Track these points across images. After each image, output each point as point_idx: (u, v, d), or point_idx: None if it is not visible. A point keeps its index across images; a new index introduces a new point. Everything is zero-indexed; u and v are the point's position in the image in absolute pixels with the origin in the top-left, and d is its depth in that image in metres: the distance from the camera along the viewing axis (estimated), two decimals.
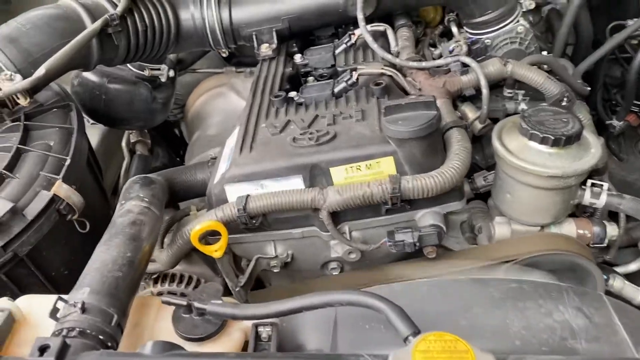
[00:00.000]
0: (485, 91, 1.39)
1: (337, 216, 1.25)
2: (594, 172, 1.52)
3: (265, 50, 1.67)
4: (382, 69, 1.44)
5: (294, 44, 1.73)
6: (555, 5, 2.25)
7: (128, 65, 1.73)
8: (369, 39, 1.48)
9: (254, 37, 1.68)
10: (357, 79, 1.45)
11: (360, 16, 1.51)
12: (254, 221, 1.24)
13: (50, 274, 1.29)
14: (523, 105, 1.58)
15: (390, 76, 1.44)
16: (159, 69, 1.73)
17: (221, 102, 2.13)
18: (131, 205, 1.22)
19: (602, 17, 2.20)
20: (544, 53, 1.72)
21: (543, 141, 1.19)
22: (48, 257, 1.26)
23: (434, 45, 1.89)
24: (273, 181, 1.24)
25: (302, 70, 1.67)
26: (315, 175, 1.24)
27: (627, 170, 2.03)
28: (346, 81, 1.44)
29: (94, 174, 1.51)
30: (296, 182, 1.24)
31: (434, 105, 1.17)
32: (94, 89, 1.68)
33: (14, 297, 1.01)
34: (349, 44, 1.63)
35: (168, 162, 2.21)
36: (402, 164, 1.21)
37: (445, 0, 1.67)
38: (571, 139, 1.18)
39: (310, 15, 1.65)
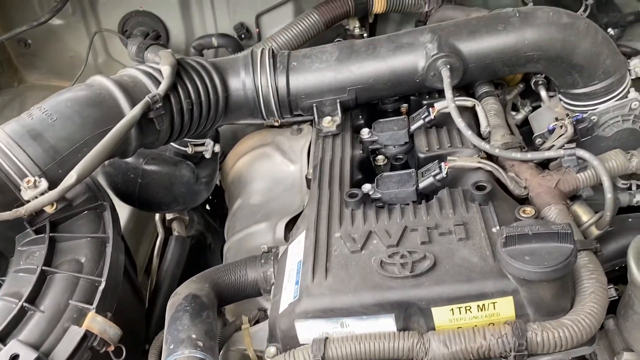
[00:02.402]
0: (609, 195, 1.13)
1: None
2: None
3: (328, 125, 1.42)
4: (480, 162, 1.19)
5: (360, 116, 1.48)
6: None
7: None
8: (461, 125, 1.23)
9: (314, 109, 1.43)
10: (447, 173, 1.20)
11: (449, 95, 1.26)
12: None
13: None
14: (639, 198, 1.32)
15: (489, 171, 1.19)
16: (203, 144, 1.49)
17: (265, 164, 1.88)
18: (183, 358, 0.97)
19: None
20: None
21: None
22: None
23: (516, 108, 1.64)
24: (357, 320, 0.99)
25: (370, 147, 1.42)
26: (411, 315, 0.99)
27: None
28: (434, 176, 1.19)
29: (129, 278, 1.27)
30: (386, 323, 0.99)
31: (570, 237, 0.92)
32: (128, 171, 1.44)
33: None
34: (427, 119, 1.37)
35: (204, 228, 1.97)
36: (524, 306, 0.96)
37: (543, 69, 1.41)
38: None
39: (381, 85, 1.41)
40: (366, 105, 1.50)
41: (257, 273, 1.30)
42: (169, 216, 1.66)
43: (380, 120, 1.45)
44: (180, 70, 1.32)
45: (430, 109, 1.37)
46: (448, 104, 1.26)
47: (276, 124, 1.55)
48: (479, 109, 1.34)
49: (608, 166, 1.18)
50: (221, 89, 1.38)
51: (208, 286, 1.25)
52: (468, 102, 1.36)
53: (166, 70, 1.25)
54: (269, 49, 1.45)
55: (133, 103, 1.18)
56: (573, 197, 1.25)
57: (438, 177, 1.19)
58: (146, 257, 1.76)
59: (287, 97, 1.42)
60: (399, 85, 1.41)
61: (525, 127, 1.56)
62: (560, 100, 1.47)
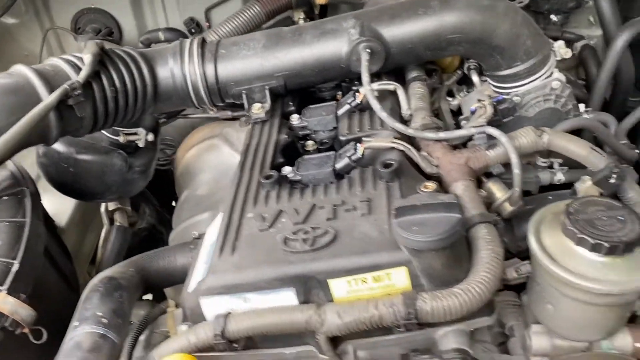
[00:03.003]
0: (516, 171, 1.15)
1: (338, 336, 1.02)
2: None
3: (258, 111, 1.44)
4: (392, 142, 1.21)
5: (291, 102, 1.50)
6: (589, 41, 2.02)
7: (102, 130, 1.51)
8: (377, 107, 1.24)
9: (243, 95, 1.45)
10: (363, 153, 1.22)
11: (365, 78, 1.28)
12: (235, 345, 1.01)
13: None
14: (560, 176, 1.34)
15: (402, 151, 1.21)
16: (135, 134, 1.51)
17: (213, 156, 1.89)
18: (83, 335, 0.99)
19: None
20: (582, 107, 1.48)
21: (594, 248, 0.95)
22: None
23: (452, 94, 1.66)
24: (259, 294, 1.01)
25: (300, 133, 1.44)
26: (311, 288, 1.01)
27: None
28: (349, 157, 1.21)
29: (55, 265, 1.29)
30: (287, 296, 1.01)
31: (456, 207, 0.94)
32: (60, 160, 1.46)
33: None
34: (353, 104, 1.39)
35: (156, 221, 1.99)
36: (418, 276, 0.97)
37: (465, 52, 1.43)
38: (631, 246, 0.94)
39: (308, 71, 1.42)
40: (299, 92, 1.52)
41: (186, 258, 1.33)
42: (111, 207, 1.68)
43: (311, 106, 1.47)
44: (105, 59, 1.34)
45: (357, 93, 1.39)
46: (364, 87, 1.28)
47: (212, 112, 1.56)
48: (399, 92, 1.36)
49: (518, 143, 1.20)
50: (149, 78, 1.40)
51: (133, 270, 1.27)
52: (390, 85, 1.38)
53: (87, 58, 1.27)
54: (199, 38, 1.47)
55: (52, 91, 1.20)
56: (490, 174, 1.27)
57: (353, 157, 1.22)
58: (93, 247, 1.77)
59: (216, 84, 1.44)
60: (326, 71, 1.43)
61: None
62: (488, 83, 1.49)
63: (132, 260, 1.33)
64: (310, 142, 1.42)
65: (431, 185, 1.08)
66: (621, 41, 1.51)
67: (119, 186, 1.56)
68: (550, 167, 1.33)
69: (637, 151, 1.42)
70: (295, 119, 1.44)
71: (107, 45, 1.38)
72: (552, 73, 1.41)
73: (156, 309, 1.28)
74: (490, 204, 1.22)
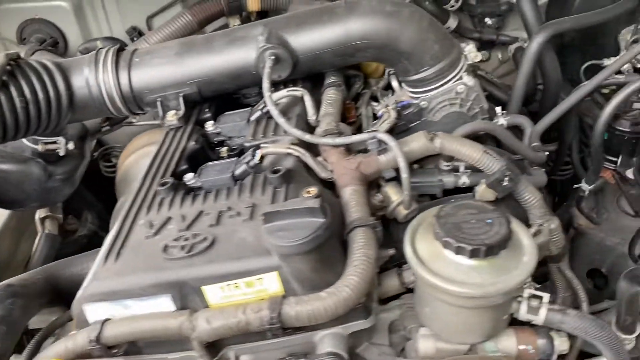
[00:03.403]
0: (404, 175, 1.16)
1: (217, 341, 1.03)
2: (550, 259, 1.30)
3: (171, 118, 1.46)
4: (289, 147, 1.22)
5: (207, 109, 1.51)
6: (524, 43, 2.03)
7: (23, 139, 1.53)
8: (274, 112, 1.26)
9: (158, 103, 1.47)
10: (261, 159, 1.23)
11: (265, 84, 1.30)
12: (115, 351, 1.03)
13: None
14: (465, 179, 1.34)
15: (298, 156, 1.22)
16: (55, 142, 1.53)
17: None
18: None
19: (576, 55, 1.96)
20: (498, 110, 1.49)
21: (459, 251, 0.96)
22: None
23: (377, 99, 1.67)
24: (138, 301, 1.03)
25: (215, 139, 1.46)
26: (187, 295, 1.02)
27: (607, 231, 1.76)
28: (247, 163, 1.23)
29: None
30: (165, 303, 1.02)
31: (319, 212, 0.95)
32: None
33: None
34: (264, 110, 1.41)
35: (99, 228, 2.01)
36: (290, 281, 0.99)
37: (373, 58, 1.44)
38: (493, 249, 0.95)
39: (221, 78, 1.44)
40: (216, 99, 1.53)
41: None
42: (41, 214, 1.70)
43: (227, 112, 1.49)
44: (15, 70, 1.35)
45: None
46: (264, 93, 1.29)
47: (134, 120, 1.58)
48: (306, 99, 1.37)
49: (408, 148, 1.21)
50: (63, 88, 1.41)
51: (40, 277, 1.29)
52: (297, 92, 1.39)
53: None
54: (114, 48, 1.49)
55: None
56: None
57: (251, 163, 1.23)
58: (27, 255, 1.79)
59: (131, 92, 1.45)
60: (238, 78, 1.44)
61: None
62: (405, 88, 1.50)
63: (45, 267, 1.35)
64: (224, 149, 1.44)
65: (313, 190, 1.08)
66: (535, 44, 1.52)
67: (39, 194, 1.58)
68: (455, 170, 1.33)
69: (546, 153, 1.43)
70: (209, 126, 1.46)
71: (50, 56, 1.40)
72: (461, 77, 1.42)
73: (64, 316, 1.30)
74: (386, 208, 1.24)
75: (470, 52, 1.45)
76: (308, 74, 1.48)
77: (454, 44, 1.43)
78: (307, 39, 1.39)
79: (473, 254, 0.95)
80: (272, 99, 1.28)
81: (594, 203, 1.74)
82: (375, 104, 1.64)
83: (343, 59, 1.42)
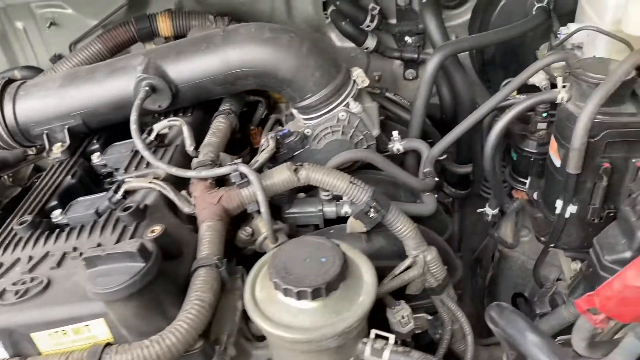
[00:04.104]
0: (263, 209, 1.13)
1: None
2: (431, 291, 1.25)
3: (56, 151, 1.43)
4: (151, 182, 1.19)
5: (96, 140, 1.48)
6: None
7: None
8: (139, 145, 1.23)
9: (44, 136, 1.44)
10: (125, 195, 1.20)
11: (133, 116, 1.26)
12: None
13: None
14: (347, 208, 1.30)
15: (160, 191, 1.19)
16: None
17: None
18: None
19: (499, 71, 1.92)
20: (395, 134, 1.45)
21: (287, 293, 0.92)
22: None
23: (282, 124, 1.64)
24: None
25: (103, 171, 1.43)
26: (18, 341, 0.98)
27: (529, 254, 1.71)
28: (109, 199, 1.20)
29: None
30: None
31: (138, 256, 0.91)
32: None
33: None
34: (147, 141, 1.38)
35: None
36: (118, 327, 0.95)
37: (256, 86, 1.40)
38: (321, 291, 0.91)
39: (105, 109, 1.41)
40: (106, 130, 1.50)
41: None
42: None
43: (115, 143, 1.46)
44: None
45: (151, 130, 1.38)
46: (131, 125, 1.26)
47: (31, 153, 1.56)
48: (184, 129, 1.34)
49: (270, 181, 1.17)
50: None
51: None
52: (176, 121, 1.36)
53: None
54: (2, 81, 1.47)
55: None
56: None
57: (113, 199, 1.20)
58: None
59: (17, 126, 1.43)
60: (122, 108, 1.41)
61: None
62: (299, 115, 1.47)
63: None
64: (107, 180, 1.41)
65: (157, 229, 1.05)
66: (431, 65, 1.48)
67: None
68: (336, 198, 1.29)
69: (436, 179, 1.39)
70: (95, 158, 1.43)
71: None
72: (348, 104, 1.38)
73: None
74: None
75: (359, 76, 1.41)
76: (195, 102, 1.45)
77: (340, 70, 1.39)
78: (185, 68, 1.36)
79: (300, 296, 0.91)
80: (138, 131, 1.25)
81: (514, 225, 1.69)
82: (281, 128, 1.61)
83: (225, 87, 1.39)
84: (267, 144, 1.32)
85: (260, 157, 1.31)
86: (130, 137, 1.45)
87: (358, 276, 0.97)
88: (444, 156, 1.60)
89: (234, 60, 1.34)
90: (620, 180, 1.24)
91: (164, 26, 1.84)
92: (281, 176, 1.17)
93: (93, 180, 1.41)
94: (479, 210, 1.58)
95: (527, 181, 1.54)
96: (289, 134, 1.36)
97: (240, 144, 1.55)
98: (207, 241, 1.08)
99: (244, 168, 1.15)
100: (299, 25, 2.02)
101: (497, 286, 1.86)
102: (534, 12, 1.66)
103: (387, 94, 1.72)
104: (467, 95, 1.69)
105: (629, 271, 0.81)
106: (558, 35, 1.53)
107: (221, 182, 1.23)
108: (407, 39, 1.92)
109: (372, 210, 1.15)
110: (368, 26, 1.86)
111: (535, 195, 1.48)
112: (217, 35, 1.36)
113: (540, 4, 1.65)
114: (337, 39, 2.03)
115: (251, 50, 1.33)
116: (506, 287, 1.82)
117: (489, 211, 1.54)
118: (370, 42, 1.91)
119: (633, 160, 1.21)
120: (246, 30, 1.36)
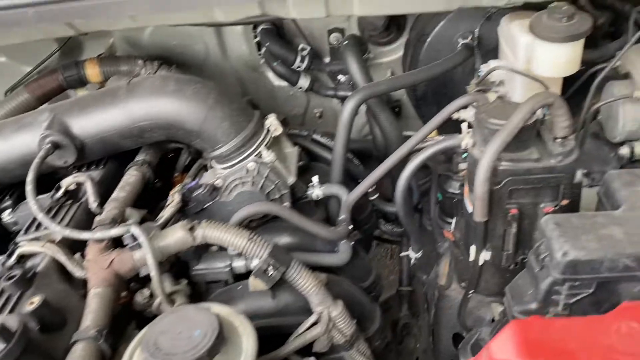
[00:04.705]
0: (152, 273, 1.09)
1: None
2: (339, 347, 1.21)
3: None
4: (43, 245, 1.16)
5: (8, 196, 1.45)
6: None
7: None
8: (33, 206, 1.19)
9: None
10: (20, 260, 1.16)
11: (30, 176, 1.23)
12: None
13: None
14: (256, 262, 1.26)
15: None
16: None
17: None
18: None
19: (432, 107, 1.89)
20: (315, 180, 1.42)
21: None
22: None
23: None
24: None
25: (14, 228, 1.39)
26: None
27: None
28: (2, 263, 1.16)
29: None
30: None
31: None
32: None
33: None
34: (55, 197, 1.34)
35: None
36: None
37: (164, 137, 1.37)
38: None
39: (12, 165, 1.38)
40: (19, 186, 1.47)
41: None
42: None
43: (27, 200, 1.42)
44: None
45: (59, 187, 1.35)
46: (27, 186, 1.23)
47: None
48: (87, 186, 1.31)
49: (165, 243, 1.14)
50: None
51: None
52: (80, 177, 1.33)
53: None
54: None
55: None
56: None
57: (6, 264, 1.16)
58: None
59: None
60: (28, 165, 1.38)
61: None
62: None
63: None
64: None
65: (36, 300, 1.01)
66: (347, 109, 1.45)
67: None
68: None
69: (350, 227, 1.36)
70: (5, 215, 1.39)
71: None
72: (259, 155, 1.35)
73: None
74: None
75: (272, 124, 1.38)
76: (105, 155, 1.42)
77: (251, 119, 1.37)
78: (89, 123, 1.33)
79: None
80: (33, 192, 1.22)
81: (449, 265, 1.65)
82: (189, 181, 1.57)
83: (133, 140, 1.36)
84: (171, 198, 1.29)
85: (166, 213, 1.28)
86: (46, 192, 1.45)
87: (237, 345, 0.94)
88: (375, 195, 1.58)
89: (138, 114, 1.31)
90: (532, 225, 1.21)
91: (93, 72, 1.81)
92: (175, 236, 1.14)
93: (4, 239, 1.38)
94: (402, 254, 1.54)
95: (453, 222, 1.51)
96: (196, 187, 1.33)
97: (161, 193, 1.52)
98: (90, 311, 1.04)
99: (135, 230, 1.12)
100: (235, 66, 2.00)
101: (438, 325, 1.82)
102: (458, 49, 1.64)
103: (315, 136, 1.69)
104: (393, 133, 1.67)
105: (493, 343, 0.77)
106: (478, 73, 1.52)
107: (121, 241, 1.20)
108: (341, 77, 1.90)
109: (270, 268, 1.12)
110: (299, 67, 1.84)
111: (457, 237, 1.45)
112: (122, 88, 1.34)
113: (465, 41, 1.63)
114: (274, 79, 2.01)
115: (155, 103, 1.31)
116: (446, 326, 1.78)
117: (412, 255, 1.51)
118: (304, 82, 1.89)
119: (541, 206, 1.19)
120: (150, 82, 1.34)
